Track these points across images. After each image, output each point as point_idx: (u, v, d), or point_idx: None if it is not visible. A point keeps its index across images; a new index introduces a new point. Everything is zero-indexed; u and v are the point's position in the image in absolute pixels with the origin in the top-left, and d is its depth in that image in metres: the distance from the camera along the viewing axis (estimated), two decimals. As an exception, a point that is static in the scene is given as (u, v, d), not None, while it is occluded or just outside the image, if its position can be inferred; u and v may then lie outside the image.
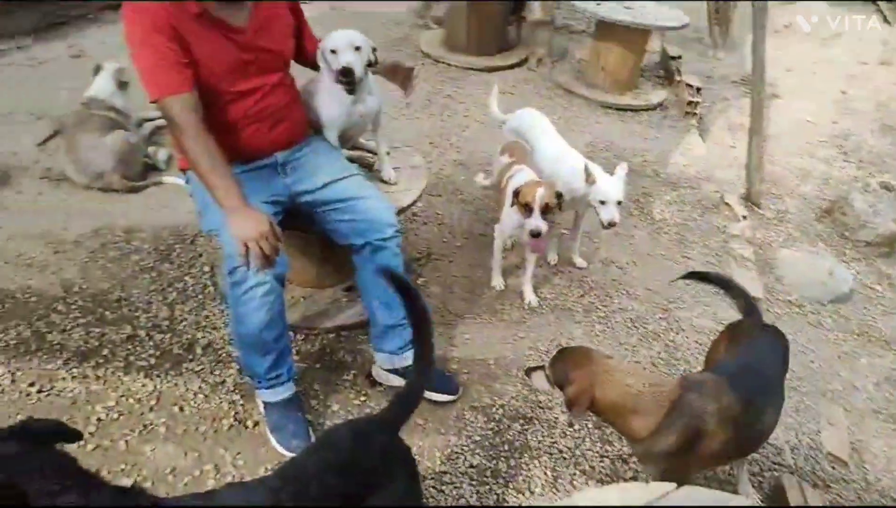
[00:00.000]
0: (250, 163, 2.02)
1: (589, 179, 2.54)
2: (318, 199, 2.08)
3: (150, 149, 3.47)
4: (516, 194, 2.46)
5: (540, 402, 2.33)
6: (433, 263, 3.03)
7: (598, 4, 4.80)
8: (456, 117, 4.49)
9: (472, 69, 5.31)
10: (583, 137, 4.41)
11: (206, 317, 2.51)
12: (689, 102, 4.88)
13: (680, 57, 5.51)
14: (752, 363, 1.80)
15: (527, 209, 2.42)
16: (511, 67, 5.44)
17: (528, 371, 1.87)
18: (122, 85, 3.45)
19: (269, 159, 2.06)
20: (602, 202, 2.53)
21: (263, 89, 1.96)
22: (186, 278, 2.69)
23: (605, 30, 4.84)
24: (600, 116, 4.80)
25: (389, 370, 2.25)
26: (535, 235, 2.42)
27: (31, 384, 2.12)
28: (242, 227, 1.67)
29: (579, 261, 3.12)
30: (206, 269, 2.74)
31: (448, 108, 4.61)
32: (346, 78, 2.01)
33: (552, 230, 2.73)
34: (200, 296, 2.60)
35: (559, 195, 2.48)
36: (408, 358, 2.18)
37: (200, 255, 2.82)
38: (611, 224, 2.54)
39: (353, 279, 2.32)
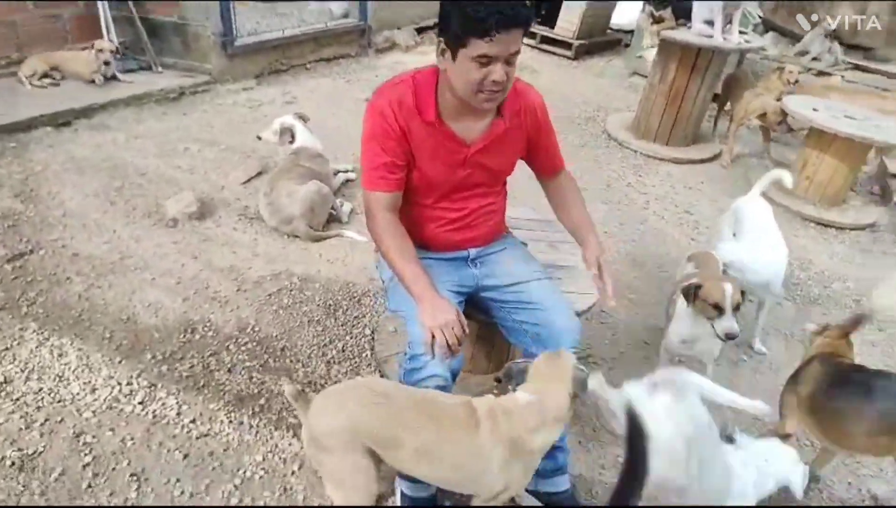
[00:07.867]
0: (442, 253, 2.02)
1: None
2: (503, 297, 2.00)
3: (337, 201, 3.65)
4: (695, 289, 2.22)
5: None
6: (591, 367, 2.82)
7: (814, 110, 4.38)
8: (634, 208, 4.28)
9: (657, 158, 5.10)
10: (776, 250, 3.99)
11: (359, 383, 2.51)
12: (910, 230, 4.26)
13: (903, 176, 4.88)
14: None
15: (714, 309, 2.19)
16: (701, 161, 5.14)
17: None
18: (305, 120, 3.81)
19: (462, 253, 2.04)
20: None
21: (472, 200, 1.96)
22: (347, 337, 2.73)
23: (819, 138, 4.37)
24: (798, 229, 4.31)
25: (530, 492, 2.07)
26: (731, 337, 2.17)
27: (193, 421, 2.22)
28: (431, 315, 1.66)
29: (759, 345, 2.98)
30: (367, 332, 2.76)
31: (627, 197, 4.42)
32: None
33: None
34: (357, 360, 2.61)
35: (743, 293, 2.24)
36: (556, 483, 2.01)
37: (364, 316, 2.86)
38: None
39: (504, 369, 2.20)
